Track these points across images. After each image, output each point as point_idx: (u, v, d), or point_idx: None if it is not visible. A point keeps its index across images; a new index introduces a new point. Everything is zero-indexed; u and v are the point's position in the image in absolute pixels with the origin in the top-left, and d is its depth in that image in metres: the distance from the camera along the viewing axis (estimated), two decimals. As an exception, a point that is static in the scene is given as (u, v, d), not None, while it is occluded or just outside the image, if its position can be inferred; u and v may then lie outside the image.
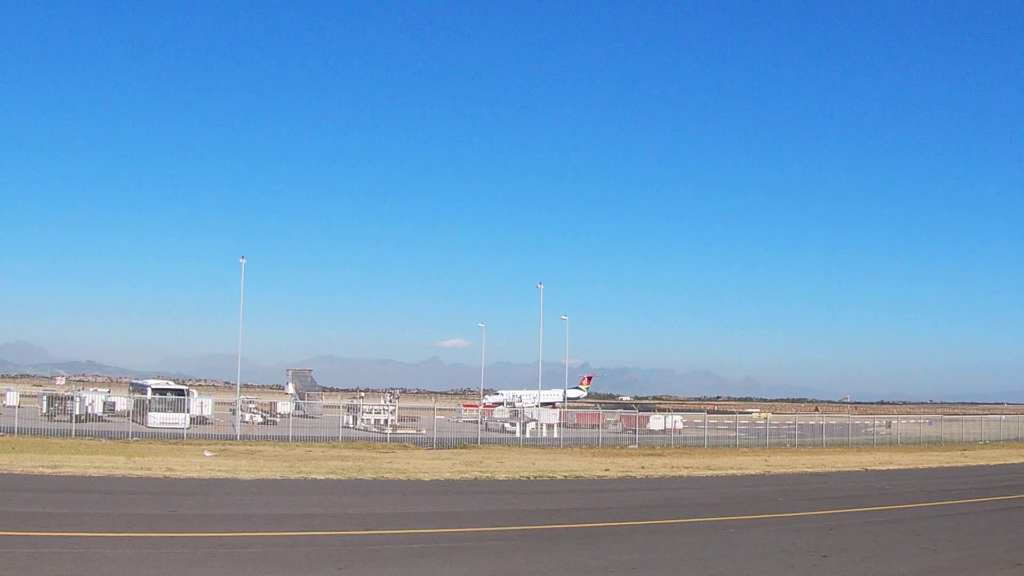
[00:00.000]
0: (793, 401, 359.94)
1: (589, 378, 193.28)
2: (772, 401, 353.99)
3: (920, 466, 64.02)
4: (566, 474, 48.66)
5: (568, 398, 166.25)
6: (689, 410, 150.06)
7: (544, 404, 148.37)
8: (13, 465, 41.46)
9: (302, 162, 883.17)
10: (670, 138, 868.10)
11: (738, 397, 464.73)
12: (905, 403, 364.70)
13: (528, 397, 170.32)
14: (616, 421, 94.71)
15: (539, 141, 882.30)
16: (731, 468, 56.39)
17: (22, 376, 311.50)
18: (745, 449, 77.56)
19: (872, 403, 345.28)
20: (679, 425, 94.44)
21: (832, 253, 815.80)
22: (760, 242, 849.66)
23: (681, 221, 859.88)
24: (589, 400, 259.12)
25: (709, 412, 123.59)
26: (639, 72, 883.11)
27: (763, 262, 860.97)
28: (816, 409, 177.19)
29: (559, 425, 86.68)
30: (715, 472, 53.66)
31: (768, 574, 23.34)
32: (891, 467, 62.37)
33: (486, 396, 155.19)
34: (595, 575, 22.62)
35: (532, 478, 46.43)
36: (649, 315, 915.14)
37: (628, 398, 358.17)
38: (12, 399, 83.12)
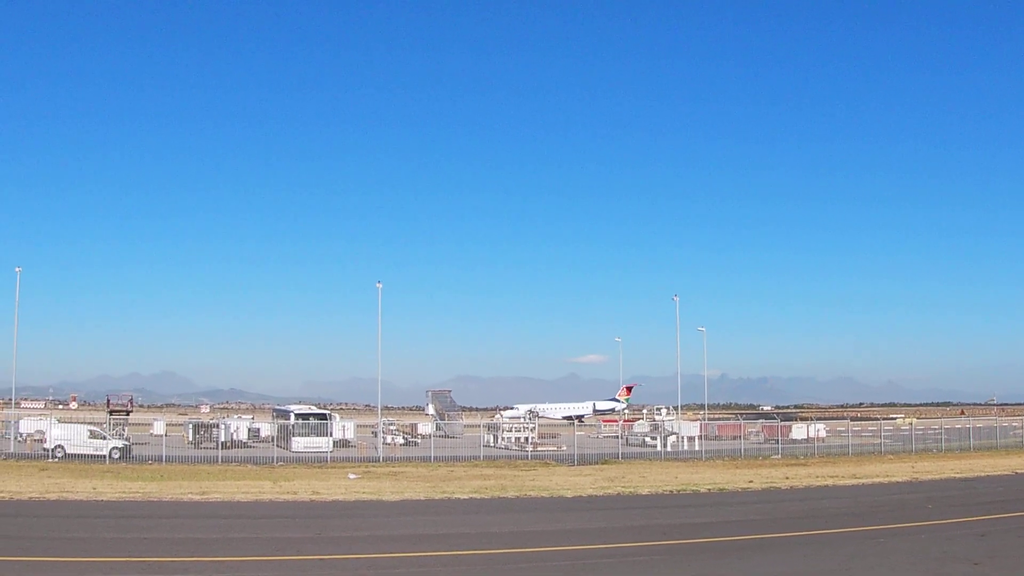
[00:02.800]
0: (938, 405, 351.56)
1: (629, 388, 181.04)
2: (916, 406, 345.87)
3: (1075, 467, 62.11)
4: (709, 487, 48.18)
5: (601, 411, 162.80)
6: (831, 418, 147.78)
7: (567, 418, 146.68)
8: (163, 493, 42.50)
9: (436, 187, 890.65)
10: (799, 147, 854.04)
11: (881, 403, 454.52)
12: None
13: (552, 410, 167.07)
14: (758, 431, 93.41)
15: (672, 158, 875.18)
16: (877, 476, 55.32)
17: (167, 405, 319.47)
18: (891, 456, 75.98)
19: (1020, 404, 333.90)
20: (822, 434, 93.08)
21: (972, 255, 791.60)
22: (899, 247, 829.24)
23: (818, 228, 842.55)
24: (729, 411, 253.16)
25: (852, 419, 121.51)
26: (772, 83, 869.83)
27: (902, 266, 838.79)
28: (962, 412, 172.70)
29: (700, 438, 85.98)
30: (861, 480, 52.70)
31: (921, 583, 22.86)
32: (1043, 469, 60.64)
33: (503, 411, 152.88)
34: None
35: (675, 492, 46.10)
36: (788, 323, 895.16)
37: (769, 407, 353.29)
38: (159, 428, 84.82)
